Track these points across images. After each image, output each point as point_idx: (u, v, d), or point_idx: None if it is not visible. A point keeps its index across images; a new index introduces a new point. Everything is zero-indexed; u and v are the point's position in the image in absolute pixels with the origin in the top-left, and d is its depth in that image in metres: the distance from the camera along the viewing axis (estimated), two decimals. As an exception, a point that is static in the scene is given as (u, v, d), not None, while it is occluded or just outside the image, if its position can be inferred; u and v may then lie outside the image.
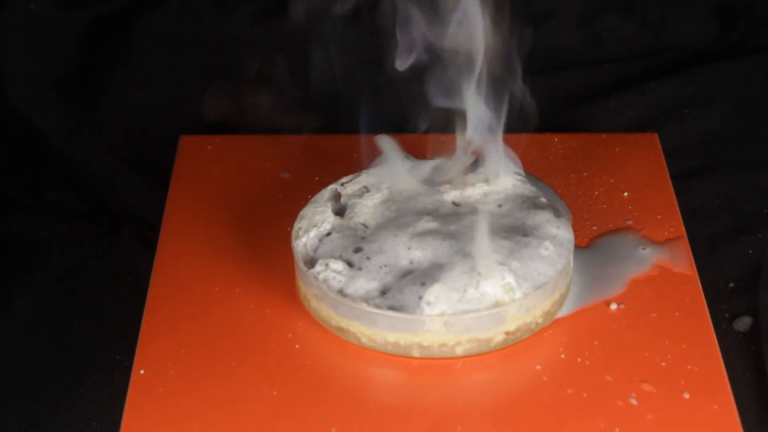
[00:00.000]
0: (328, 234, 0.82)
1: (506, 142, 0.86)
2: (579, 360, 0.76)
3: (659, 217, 0.87)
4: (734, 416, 0.73)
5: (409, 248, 0.79)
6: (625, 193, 0.90)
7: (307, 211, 0.83)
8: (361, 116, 0.87)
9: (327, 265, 0.79)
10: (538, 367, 0.76)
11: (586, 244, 0.85)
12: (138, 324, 0.80)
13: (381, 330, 0.77)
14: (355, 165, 0.88)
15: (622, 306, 0.80)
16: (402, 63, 0.82)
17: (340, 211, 0.84)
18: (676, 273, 0.83)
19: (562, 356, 0.77)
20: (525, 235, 0.80)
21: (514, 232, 0.81)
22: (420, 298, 0.76)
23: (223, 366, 0.76)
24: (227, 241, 0.86)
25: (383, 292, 0.77)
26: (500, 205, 0.83)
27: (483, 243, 0.78)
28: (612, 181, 0.91)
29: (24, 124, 1.08)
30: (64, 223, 1.00)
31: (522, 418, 0.73)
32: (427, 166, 0.86)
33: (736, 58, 1.14)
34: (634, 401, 0.74)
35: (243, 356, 0.77)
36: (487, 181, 0.85)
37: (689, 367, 0.76)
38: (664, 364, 0.76)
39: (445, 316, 0.76)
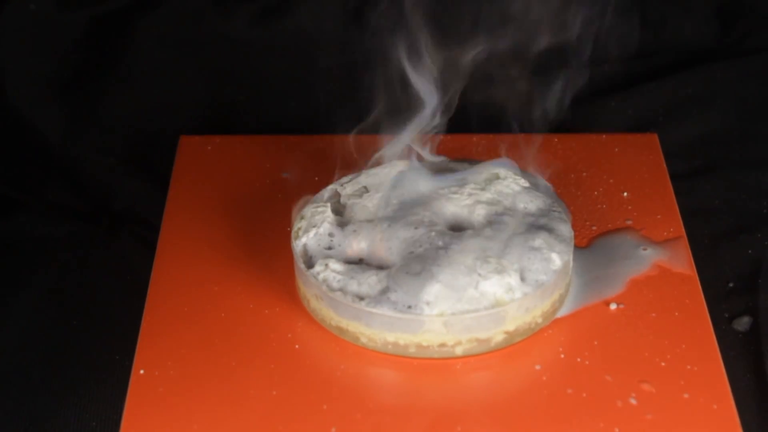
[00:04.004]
0: (328, 234, 0.82)
1: (506, 142, 0.86)
2: (579, 360, 0.76)
3: (659, 217, 0.87)
4: (734, 416, 0.73)
5: (409, 248, 0.79)
6: (625, 193, 0.90)
7: (307, 211, 0.83)
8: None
9: (327, 265, 0.79)
10: (538, 367, 0.76)
11: (585, 244, 0.85)
12: (138, 324, 0.80)
13: (380, 330, 0.77)
14: (354, 165, 0.88)
15: (621, 306, 0.80)
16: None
17: (339, 211, 0.84)
18: (676, 273, 0.83)
19: (562, 356, 0.77)
20: (525, 235, 0.80)
21: (514, 232, 0.81)
22: (420, 297, 0.76)
23: (223, 366, 0.76)
24: (227, 241, 0.86)
25: (383, 292, 0.77)
26: (500, 205, 0.83)
27: (484, 244, 0.78)
28: (612, 181, 0.91)
29: (24, 124, 1.08)
30: (64, 223, 1.00)
31: (522, 418, 0.73)
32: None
33: (736, 58, 1.14)
34: (633, 401, 0.74)
35: (243, 356, 0.77)
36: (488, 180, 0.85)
37: (689, 367, 0.76)
38: (663, 364, 0.76)
39: (445, 316, 0.76)
